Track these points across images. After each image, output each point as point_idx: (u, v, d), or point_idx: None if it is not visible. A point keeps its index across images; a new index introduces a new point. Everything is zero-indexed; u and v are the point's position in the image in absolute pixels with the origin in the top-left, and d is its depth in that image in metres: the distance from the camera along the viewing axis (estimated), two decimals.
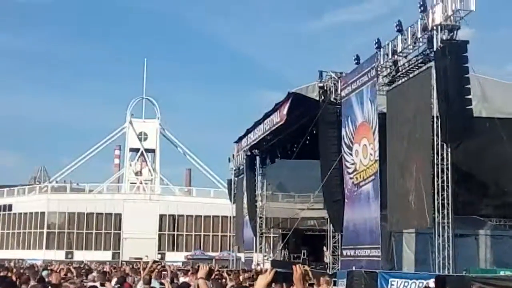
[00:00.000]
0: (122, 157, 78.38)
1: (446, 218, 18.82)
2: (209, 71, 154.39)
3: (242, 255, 42.65)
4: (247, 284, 12.97)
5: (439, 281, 16.43)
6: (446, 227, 18.78)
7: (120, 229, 63.44)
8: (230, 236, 50.74)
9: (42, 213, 63.64)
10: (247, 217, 37.95)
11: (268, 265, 30.76)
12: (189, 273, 19.58)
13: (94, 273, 19.19)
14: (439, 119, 18.81)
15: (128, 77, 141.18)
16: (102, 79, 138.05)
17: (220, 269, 21.82)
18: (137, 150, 74.14)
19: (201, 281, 6.87)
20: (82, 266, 29.15)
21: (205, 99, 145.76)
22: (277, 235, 40.61)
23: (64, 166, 73.71)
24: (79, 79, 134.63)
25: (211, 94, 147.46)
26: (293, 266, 4.55)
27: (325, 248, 30.06)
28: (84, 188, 69.31)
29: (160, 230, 64.48)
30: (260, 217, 37.30)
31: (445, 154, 18.94)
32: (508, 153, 21.63)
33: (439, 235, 18.74)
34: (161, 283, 13.21)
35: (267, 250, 39.18)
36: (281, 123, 28.55)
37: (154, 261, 21.78)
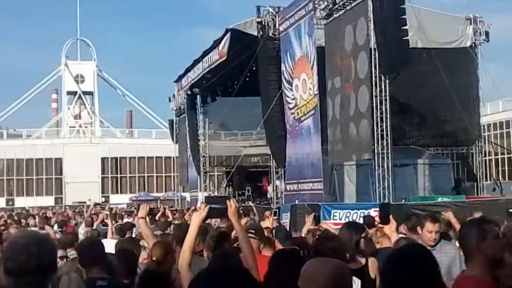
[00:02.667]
0: (60, 101, 76.49)
1: (385, 149, 19.20)
2: (145, 10, 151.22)
3: (187, 195, 42.72)
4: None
5: (382, 209, 16.76)
6: (385, 158, 19.20)
7: (61, 174, 62.50)
8: (174, 176, 50.59)
9: None
10: (191, 157, 37.89)
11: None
12: (133, 214, 19.58)
13: (37, 218, 18.97)
14: (376, 51, 18.92)
15: (61, 18, 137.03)
16: (34, 21, 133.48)
17: (164, 207, 21.80)
18: (74, 93, 72.39)
19: (141, 221, 6.81)
20: (23, 212, 28.73)
21: (142, 38, 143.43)
22: (221, 173, 40.69)
23: None
24: (11, 21, 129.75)
25: (148, 34, 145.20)
26: (227, 201, 4.58)
27: (266, 183, 30.46)
28: (21, 134, 67.59)
29: (102, 173, 63.81)
30: (203, 156, 37.27)
31: (383, 86, 19.18)
32: (444, 83, 22.04)
33: (379, 166, 19.15)
34: (105, 224, 13.11)
35: (211, 188, 39.31)
36: (220, 60, 28.23)
37: (96, 204, 21.66)
